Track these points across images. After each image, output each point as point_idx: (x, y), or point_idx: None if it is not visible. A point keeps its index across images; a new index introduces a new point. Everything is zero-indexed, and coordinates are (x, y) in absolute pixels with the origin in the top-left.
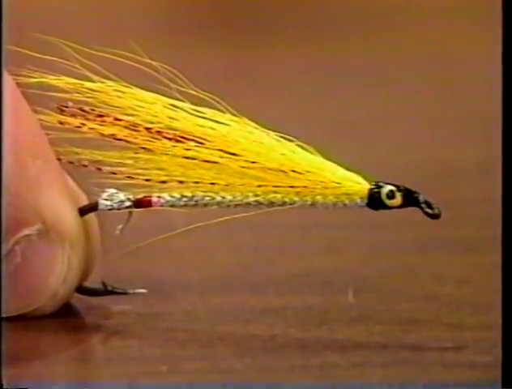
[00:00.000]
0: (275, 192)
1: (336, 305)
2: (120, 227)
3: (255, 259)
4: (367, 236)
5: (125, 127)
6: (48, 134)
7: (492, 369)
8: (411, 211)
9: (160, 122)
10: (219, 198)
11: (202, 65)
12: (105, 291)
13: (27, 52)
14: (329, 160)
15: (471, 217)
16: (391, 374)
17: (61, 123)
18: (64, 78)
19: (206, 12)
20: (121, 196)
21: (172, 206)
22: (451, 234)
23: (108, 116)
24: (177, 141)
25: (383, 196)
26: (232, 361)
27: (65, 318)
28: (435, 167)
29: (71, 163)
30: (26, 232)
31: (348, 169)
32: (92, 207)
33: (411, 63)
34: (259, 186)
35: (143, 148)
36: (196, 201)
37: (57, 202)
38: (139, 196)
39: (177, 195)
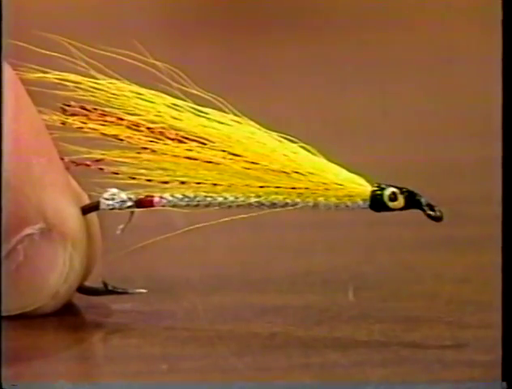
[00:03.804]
0: (276, 193)
1: (336, 303)
2: (121, 227)
3: (255, 258)
4: (367, 234)
5: (128, 127)
6: (50, 134)
7: (492, 368)
8: (412, 210)
9: (162, 122)
10: (220, 199)
11: (203, 64)
12: (106, 290)
13: (31, 47)
14: (331, 161)
15: (471, 216)
16: (391, 372)
17: (63, 123)
18: (66, 74)
19: (206, 12)
20: (123, 196)
21: (174, 206)
22: (451, 233)
23: (110, 115)
24: (180, 141)
25: (385, 198)
26: (232, 360)
27: (65, 316)
28: (435, 166)
29: (73, 162)
30: (28, 231)
31: (350, 171)
32: (94, 207)
33: (412, 63)
34: (261, 187)
35: (145, 148)
36: (198, 201)
37: (60, 201)
38: (141, 196)
39: (179, 196)
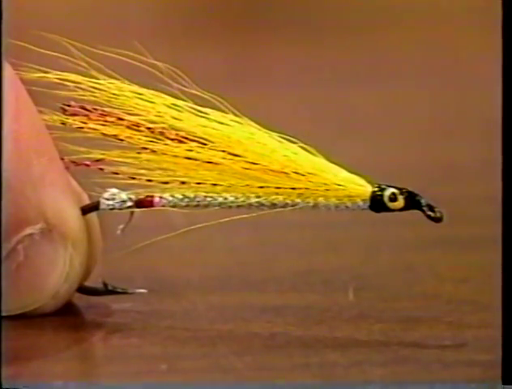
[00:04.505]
0: (276, 194)
1: (336, 303)
2: (121, 227)
3: (255, 257)
4: (367, 234)
5: (128, 127)
6: (50, 134)
7: (492, 368)
8: (412, 210)
9: (163, 122)
10: (221, 199)
11: (203, 65)
12: (106, 290)
13: (31, 47)
14: (331, 161)
15: (471, 216)
16: (391, 372)
17: (63, 123)
18: (67, 74)
19: (206, 11)
20: (123, 196)
21: (174, 206)
22: (451, 233)
23: (110, 115)
24: (180, 141)
25: (385, 199)
26: (232, 360)
27: (65, 316)
28: (435, 166)
29: (73, 162)
30: (29, 231)
31: (350, 171)
32: (94, 207)
33: (412, 63)
34: (261, 188)
35: (145, 149)
36: (198, 202)
37: (61, 201)
38: (141, 196)
39: (179, 196)
